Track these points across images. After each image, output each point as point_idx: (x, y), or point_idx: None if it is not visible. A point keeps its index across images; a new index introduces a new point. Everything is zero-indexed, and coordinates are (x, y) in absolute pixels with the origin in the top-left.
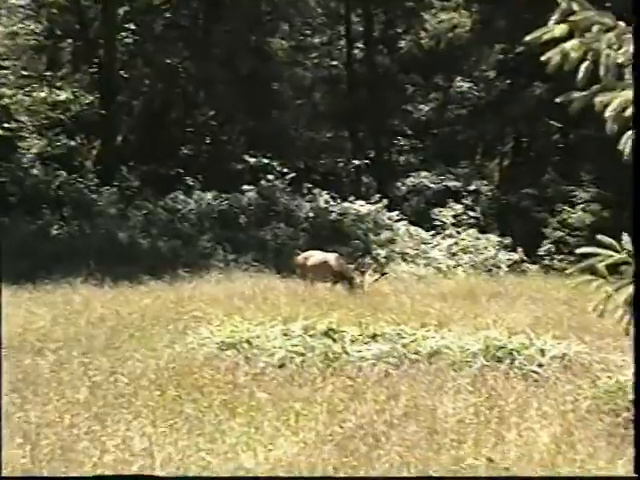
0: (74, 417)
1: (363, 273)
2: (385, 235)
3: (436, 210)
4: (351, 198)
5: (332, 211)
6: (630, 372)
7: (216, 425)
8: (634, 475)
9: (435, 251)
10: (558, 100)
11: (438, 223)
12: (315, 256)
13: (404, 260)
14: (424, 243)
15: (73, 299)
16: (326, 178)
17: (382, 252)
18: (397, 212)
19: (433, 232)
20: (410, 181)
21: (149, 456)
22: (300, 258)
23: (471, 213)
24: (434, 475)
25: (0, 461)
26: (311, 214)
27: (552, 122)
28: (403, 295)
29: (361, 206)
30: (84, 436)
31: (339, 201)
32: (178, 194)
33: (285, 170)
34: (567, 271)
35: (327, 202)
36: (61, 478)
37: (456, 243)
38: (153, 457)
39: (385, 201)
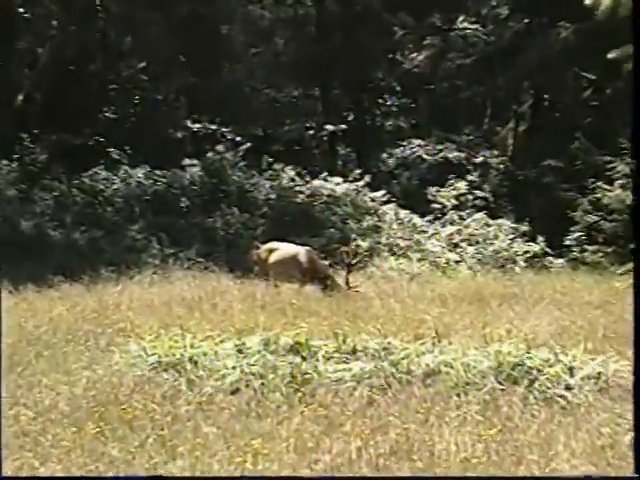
0: None
1: (349, 268)
2: (368, 222)
3: (433, 189)
4: (324, 175)
5: (299, 192)
6: None
7: (150, 470)
8: (634, 475)
9: (432, 242)
10: (610, 56)
11: (436, 206)
12: (279, 250)
13: (392, 254)
14: (418, 232)
15: None
16: (291, 149)
17: (364, 244)
18: (383, 192)
19: (429, 218)
20: (399, 152)
21: None
22: (260, 252)
23: (478, 193)
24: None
25: (0, 461)
26: (272, 196)
27: (582, 74)
28: (391, 299)
29: (337, 185)
30: None
31: (308, 179)
32: (99, 171)
33: (238, 139)
34: (618, 271)
35: (293, 180)
36: (61, 478)
37: (459, 231)
38: None
39: (367, 178)
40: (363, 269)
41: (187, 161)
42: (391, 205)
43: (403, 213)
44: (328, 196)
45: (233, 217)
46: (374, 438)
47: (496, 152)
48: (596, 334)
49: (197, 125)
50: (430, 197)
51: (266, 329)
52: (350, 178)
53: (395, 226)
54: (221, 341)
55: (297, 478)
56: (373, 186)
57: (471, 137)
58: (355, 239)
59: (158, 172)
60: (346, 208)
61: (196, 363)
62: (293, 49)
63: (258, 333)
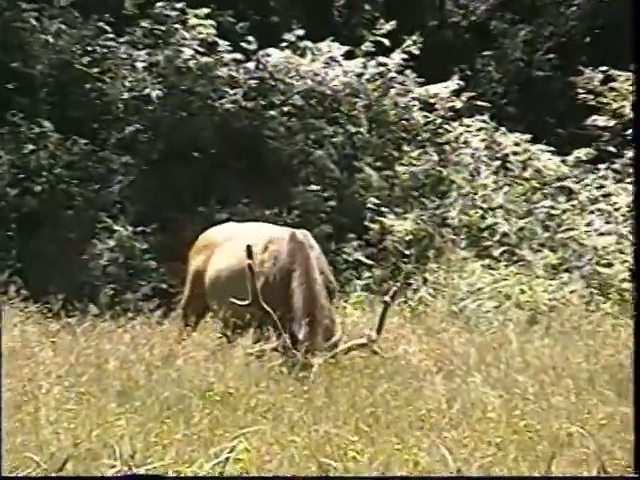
0: None
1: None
2: (416, 164)
3: (595, 78)
4: (293, 35)
5: (232, 82)
6: None
7: None
8: (634, 475)
9: (590, 221)
10: None
11: (600, 123)
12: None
13: (480, 252)
14: (550, 195)
15: None
16: None
17: (405, 225)
18: (456, 84)
19: (580, 153)
20: None
21: None
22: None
23: None
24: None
25: (0, 461)
26: (166, 91)
27: None
28: (477, 375)
29: (330, 64)
30: None
31: (252, 45)
32: None
33: None
34: None
35: (213, 47)
36: (61, 478)
37: None
38: None
39: (414, 47)
40: (399, 291)
41: None
42: (478, 120)
43: (509, 142)
44: (309, 94)
45: (51, 154)
46: None
47: None
48: None
49: None
50: (586, 96)
51: (145, 455)
52: (367, 44)
53: (488, 178)
54: None
55: (297, 478)
56: (428, 68)
57: None
58: (379, 215)
59: None
60: (355, 128)
61: None
62: None
63: (117, 464)
